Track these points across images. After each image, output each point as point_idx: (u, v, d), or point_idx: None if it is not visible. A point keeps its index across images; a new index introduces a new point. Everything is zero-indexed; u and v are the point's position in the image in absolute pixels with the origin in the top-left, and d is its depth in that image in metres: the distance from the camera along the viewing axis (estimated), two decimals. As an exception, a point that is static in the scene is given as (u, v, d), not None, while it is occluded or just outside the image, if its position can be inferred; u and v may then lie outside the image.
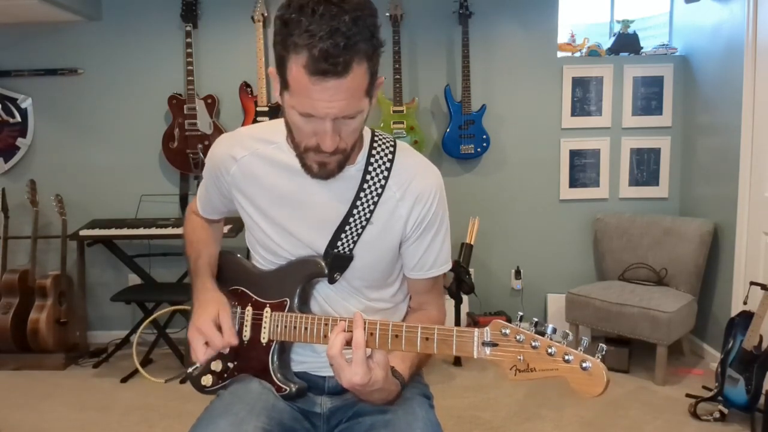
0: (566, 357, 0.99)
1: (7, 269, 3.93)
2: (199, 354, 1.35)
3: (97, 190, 4.20)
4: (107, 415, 3.20)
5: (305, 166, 1.27)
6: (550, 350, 1.00)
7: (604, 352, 0.98)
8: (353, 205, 1.34)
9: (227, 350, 1.38)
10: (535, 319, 1.03)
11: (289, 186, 1.37)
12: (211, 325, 1.35)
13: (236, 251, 1.60)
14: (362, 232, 1.36)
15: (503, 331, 1.05)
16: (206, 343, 1.35)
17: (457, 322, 3.72)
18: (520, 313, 1.11)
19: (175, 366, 3.74)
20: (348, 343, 1.19)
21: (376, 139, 1.38)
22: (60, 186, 4.09)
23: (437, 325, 1.15)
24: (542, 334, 1.03)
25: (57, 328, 3.82)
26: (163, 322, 3.87)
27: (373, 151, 1.36)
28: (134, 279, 4.12)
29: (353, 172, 1.35)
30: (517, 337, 1.03)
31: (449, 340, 1.12)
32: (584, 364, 0.97)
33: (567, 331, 1.00)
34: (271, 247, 1.43)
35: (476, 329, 1.08)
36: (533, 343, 1.01)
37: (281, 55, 1.13)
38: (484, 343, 1.07)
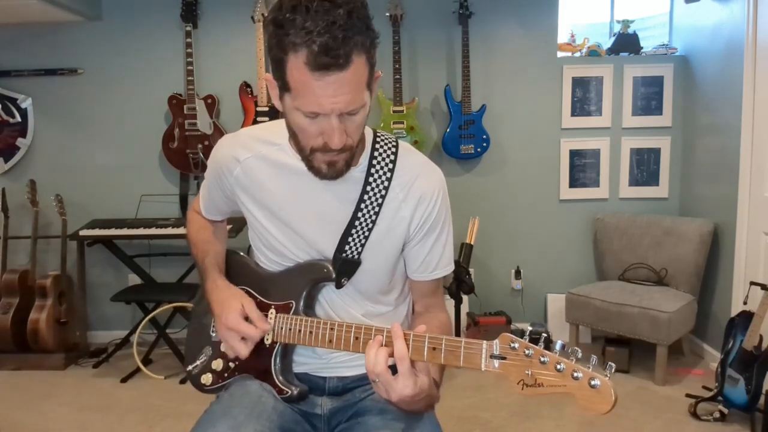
0: (575, 374, 0.98)
1: (7, 269, 3.92)
2: (240, 350, 1.35)
3: (97, 190, 4.19)
4: (107, 415, 3.20)
5: (313, 168, 1.26)
6: (558, 366, 0.99)
7: (612, 370, 0.98)
8: (358, 207, 1.34)
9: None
10: (545, 335, 1.03)
11: (293, 187, 1.36)
12: (241, 319, 1.35)
13: (238, 251, 1.60)
14: (369, 234, 1.35)
15: (512, 344, 1.04)
16: (242, 338, 1.35)
17: (457, 322, 3.71)
18: (530, 327, 1.10)
19: (175, 366, 3.75)
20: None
21: (378, 139, 1.37)
22: (60, 186, 4.08)
23: (445, 335, 1.14)
24: (550, 350, 1.03)
25: (57, 328, 3.82)
26: (163, 322, 3.87)
27: (375, 152, 1.35)
28: (134, 279, 4.12)
29: (356, 173, 1.34)
30: (526, 352, 1.02)
31: (457, 351, 1.11)
32: (593, 382, 0.97)
33: (576, 348, 1.00)
34: (276, 247, 1.43)
35: (485, 341, 1.08)
36: (542, 359, 1.01)
37: (279, 58, 1.12)
38: (492, 356, 1.06)
